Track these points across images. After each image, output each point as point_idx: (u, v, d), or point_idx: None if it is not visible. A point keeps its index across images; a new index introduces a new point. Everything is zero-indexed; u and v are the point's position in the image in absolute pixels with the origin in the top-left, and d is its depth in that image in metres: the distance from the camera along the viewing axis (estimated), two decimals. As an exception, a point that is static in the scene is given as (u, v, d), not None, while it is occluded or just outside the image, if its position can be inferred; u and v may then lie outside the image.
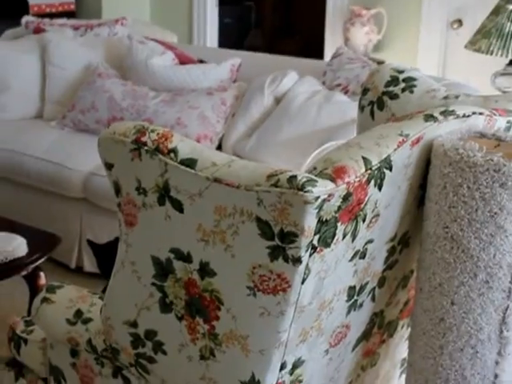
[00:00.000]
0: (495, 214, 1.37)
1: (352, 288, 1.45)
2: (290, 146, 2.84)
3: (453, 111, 1.49)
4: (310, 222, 1.23)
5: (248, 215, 1.27)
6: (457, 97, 1.81)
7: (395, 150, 1.36)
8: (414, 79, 1.89)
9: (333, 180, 1.25)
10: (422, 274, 1.50)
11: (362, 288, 1.48)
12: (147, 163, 1.35)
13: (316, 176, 1.26)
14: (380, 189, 1.36)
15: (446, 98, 1.82)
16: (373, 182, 1.33)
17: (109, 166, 1.42)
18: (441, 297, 1.45)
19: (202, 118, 3.06)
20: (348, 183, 1.26)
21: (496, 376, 1.48)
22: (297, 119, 2.89)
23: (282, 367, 1.39)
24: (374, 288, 1.53)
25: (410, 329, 1.61)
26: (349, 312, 1.48)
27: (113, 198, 2.88)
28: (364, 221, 1.36)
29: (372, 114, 1.91)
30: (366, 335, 1.60)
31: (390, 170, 1.36)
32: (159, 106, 3.11)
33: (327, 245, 1.29)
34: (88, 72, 3.39)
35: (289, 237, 1.24)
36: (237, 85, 3.25)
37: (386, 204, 1.40)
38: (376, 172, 1.33)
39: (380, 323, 1.63)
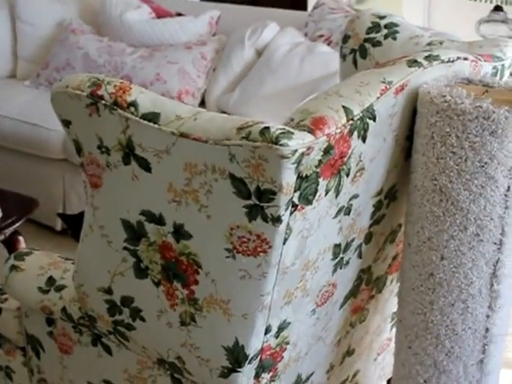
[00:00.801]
0: (485, 163, 1.28)
1: (337, 246, 1.36)
2: (274, 100, 2.73)
3: (438, 56, 1.38)
4: (289, 178, 1.13)
5: (220, 172, 1.17)
6: (441, 43, 1.71)
7: (378, 98, 1.26)
8: (396, 25, 1.79)
9: (311, 132, 1.16)
10: (410, 228, 1.42)
11: (348, 245, 1.40)
12: (106, 119, 1.24)
13: (293, 128, 1.17)
14: (364, 141, 1.26)
15: (430, 44, 1.72)
16: (356, 133, 1.23)
17: (66, 123, 1.31)
18: (430, 251, 1.37)
19: (182, 73, 2.95)
20: (328, 135, 1.17)
21: (487, 330, 1.41)
22: (279, 72, 2.78)
23: (267, 331, 1.31)
24: (361, 244, 1.45)
25: (399, 284, 1.53)
26: (335, 270, 1.40)
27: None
28: (348, 175, 1.27)
29: (355, 62, 1.81)
30: (353, 292, 1.52)
31: (374, 120, 1.26)
32: (137, 62, 2.98)
33: (309, 202, 1.20)
34: (61, 28, 3.23)
35: (266, 195, 1.15)
36: (216, 38, 3.12)
37: (372, 157, 1.31)
38: (359, 122, 1.23)
39: (368, 279, 1.55)
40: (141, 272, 1.36)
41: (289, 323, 1.35)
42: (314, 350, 1.48)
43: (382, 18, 1.83)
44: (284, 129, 1.11)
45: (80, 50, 3.12)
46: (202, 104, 3.00)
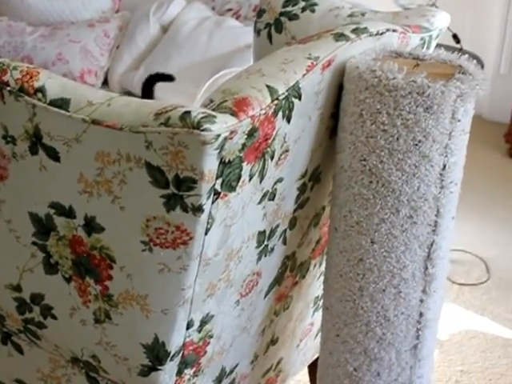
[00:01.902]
0: (419, 142, 1.18)
1: (262, 233, 1.24)
2: (181, 77, 2.56)
3: (366, 28, 1.27)
4: (211, 165, 1.00)
5: (136, 161, 1.03)
6: (363, 14, 1.60)
7: (304, 75, 1.14)
8: (314, -4, 1.67)
9: (234, 114, 1.02)
10: (337, 211, 1.31)
11: (273, 232, 1.28)
12: (12, 106, 1.08)
13: (214, 110, 1.03)
14: (289, 121, 1.14)
15: (351, 15, 1.61)
16: (280, 113, 1.11)
17: (-34, 112, 1.14)
18: (359, 236, 1.27)
19: (85, 52, 2.75)
20: (252, 117, 1.04)
21: (421, 314, 1.32)
22: (186, 48, 2.62)
23: (189, 325, 1.18)
24: (285, 230, 1.33)
25: (322, 268, 1.43)
26: (259, 258, 1.28)
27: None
28: (272, 158, 1.14)
29: (270, 37, 1.68)
30: (278, 280, 1.41)
31: (299, 98, 1.14)
32: (37, 42, 2.77)
33: (232, 189, 1.07)
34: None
35: (186, 183, 1.01)
36: (120, 15, 2.93)
37: (296, 137, 1.19)
38: (284, 102, 1.10)
39: (292, 266, 1.44)
40: (51, 268, 1.20)
41: (212, 316, 1.22)
42: (238, 342, 1.37)
43: (300, -11, 1.70)
44: (206, 112, 0.97)
45: (-23, 32, 2.87)
46: (105, 83, 2.82)
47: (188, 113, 0.96)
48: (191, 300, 1.14)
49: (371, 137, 1.19)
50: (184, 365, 1.23)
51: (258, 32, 1.72)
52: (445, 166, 1.19)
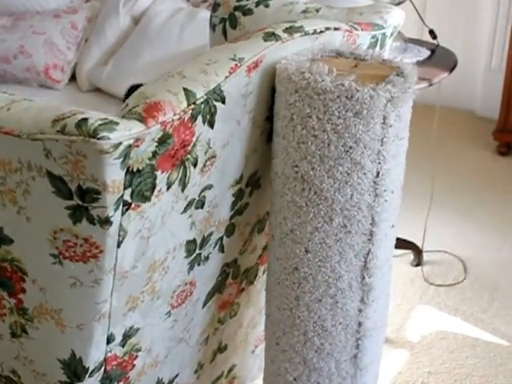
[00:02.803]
0: (350, 148, 1.08)
1: (191, 242, 1.15)
2: (152, 72, 2.42)
3: (300, 27, 1.17)
4: (114, 175, 0.91)
5: (38, 170, 0.94)
6: (317, 10, 1.50)
7: (227, 77, 1.04)
8: (270, -10, 1.57)
9: (142, 120, 0.93)
10: (273, 218, 1.21)
11: (205, 240, 1.19)
12: None
13: (123, 116, 0.94)
14: (212, 126, 1.04)
15: (305, 11, 1.50)
16: (200, 118, 1.01)
17: None
18: (293, 244, 1.17)
19: (50, 44, 2.56)
20: (163, 123, 0.94)
21: (360, 324, 1.23)
22: (157, 41, 2.48)
23: (110, 340, 1.09)
24: (222, 238, 1.24)
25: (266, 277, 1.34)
26: (191, 268, 1.19)
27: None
28: (195, 165, 1.05)
29: (224, 33, 1.57)
30: (218, 288, 1.32)
31: (223, 102, 1.04)
32: None
33: (145, 199, 0.98)
34: None
35: (90, 194, 0.92)
36: (89, 5, 2.71)
37: (224, 143, 1.09)
38: (203, 106, 1.01)
39: (235, 273, 1.35)
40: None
41: (137, 329, 1.13)
42: (175, 353, 1.28)
43: (255, -17, 1.60)
44: (106, 119, 0.88)
45: None
46: (73, 79, 2.68)
47: (85, 120, 0.87)
48: (109, 314, 1.05)
49: (302, 142, 1.10)
50: (108, 380, 1.14)
51: (213, 27, 1.62)
52: (378, 174, 1.09)
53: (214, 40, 1.65)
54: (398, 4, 1.98)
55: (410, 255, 2.50)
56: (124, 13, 2.57)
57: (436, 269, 2.53)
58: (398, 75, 1.08)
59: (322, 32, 1.20)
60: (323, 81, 1.04)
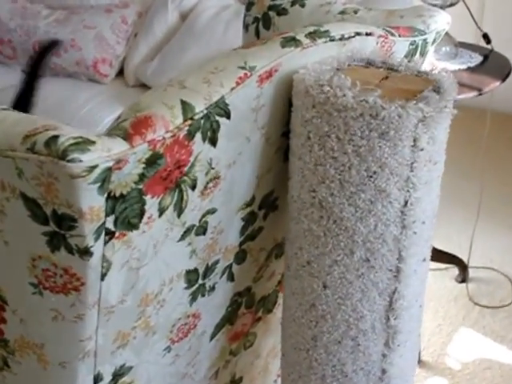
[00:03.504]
0: (374, 173, 0.94)
1: (192, 272, 1.03)
2: (195, 70, 2.36)
3: (326, 32, 1.03)
4: (92, 201, 0.80)
5: (11, 190, 0.84)
6: (355, 11, 1.37)
7: (233, 89, 0.92)
8: (305, -11, 1.44)
9: (127, 138, 0.82)
10: (289, 247, 1.09)
11: (210, 269, 1.07)
12: None
13: (109, 133, 0.84)
14: (214, 144, 0.92)
15: (342, 12, 1.38)
16: (199, 135, 0.89)
17: None
18: (310, 278, 1.05)
19: (99, 39, 2.54)
20: (152, 141, 0.83)
21: (384, 371, 1.09)
22: (202, 39, 2.39)
23: (97, 380, 0.98)
24: (230, 265, 1.12)
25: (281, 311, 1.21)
26: (194, 299, 1.07)
27: None
28: (194, 188, 0.93)
29: (257, 33, 1.46)
30: (229, 319, 1.20)
31: (228, 117, 0.92)
32: (51, 27, 2.57)
33: (132, 227, 0.87)
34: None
35: (66, 221, 0.81)
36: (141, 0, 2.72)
37: (229, 162, 0.97)
38: (203, 122, 0.89)
39: (249, 302, 1.23)
40: None
41: (130, 368, 1.02)
42: (177, 389, 1.17)
43: (290, -19, 1.48)
44: (80, 138, 0.77)
45: (-11, 13, 2.73)
46: (121, 73, 2.63)
47: (55, 138, 0.76)
48: (94, 352, 0.95)
49: (320, 164, 0.97)
50: (98, 422, 1.04)
51: (246, 27, 1.51)
52: (406, 203, 0.95)
53: (246, 41, 1.53)
54: (451, 5, 1.82)
55: (454, 269, 2.34)
56: (172, 9, 2.50)
57: (482, 287, 2.36)
58: (435, 91, 0.94)
59: (350, 38, 1.06)
60: (344, 96, 0.91)
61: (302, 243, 1.04)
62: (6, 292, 0.94)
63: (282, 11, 1.42)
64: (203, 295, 1.09)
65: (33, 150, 0.77)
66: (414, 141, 0.91)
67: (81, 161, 0.75)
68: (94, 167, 0.76)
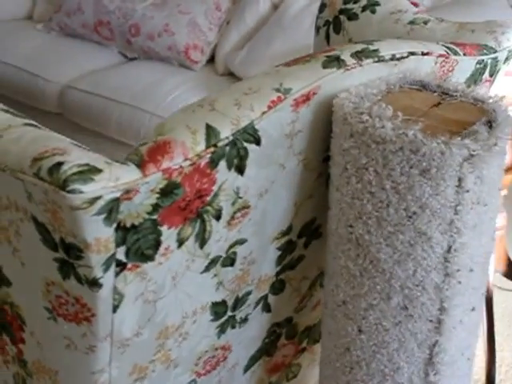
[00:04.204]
0: (414, 213, 0.87)
1: (219, 304, 1.00)
2: (279, 62, 2.31)
3: (375, 51, 0.97)
4: (98, 232, 0.78)
5: (24, 212, 0.83)
6: (425, 22, 1.30)
7: (264, 113, 0.87)
8: (378, -6, 1.38)
9: (140, 166, 0.79)
10: (327, 282, 1.03)
11: (241, 301, 1.03)
12: None
13: (126, 157, 0.81)
14: (241, 172, 0.88)
15: (412, 22, 1.31)
16: (223, 163, 0.85)
17: None
18: (345, 319, 0.99)
19: (193, 24, 2.53)
20: (167, 170, 0.80)
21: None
22: (289, 31, 2.34)
23: (114, 411, 0.98)
24: (266, 296, 1.07)
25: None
26: (222, 332, 1.03)
27: (90, 115, 2.49)
28: (219, 218, 0.89)
29: (327, 37, 1.42)
30: (266, 351, 1.15)
31: (257, 143, 0.88)
32: (147, 10, 2.59)
33: (147, 258, 0.84)
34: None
35: (73, 250, 0.80)
36: (236, -14, 2.69)
37: (260, 191, 0.93)
38: (228, 149, 0.85)
39: (290, 333, 1.18)
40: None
41: (150, 400, 1.01)
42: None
43: (364, -15, 1.42)
44: (86, 166, 0.75)
45: (92, -6, 2.78)
46: (212, 61, 2.63)
47: (59, 165, 0.74)
48: None
49: (357, 198, 0.91)
50: None
51: (317, 29, 1.47)
52: (450, 248, 0.87)
53: (317, 44, 1.49)
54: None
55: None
56: (265, -2, 2.48)
57: None
58: (487, 124, 0.87)
59: (403, 58, 0.99)
60: (383, 127, 0.85)
61: (339, 281, 0.98)
62: (25, 312, 0.94)
63: (352, 16, 1.37)
64: (233, 327, 1.05)
65: (38, 176, 0.76)
66: (459, 181, 0.83)
67: (81, 192, 0.73)
68: (96, 198, 0.74)
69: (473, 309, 0.96)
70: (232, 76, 2.57)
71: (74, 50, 2.76)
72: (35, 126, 0.86)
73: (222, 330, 1.03)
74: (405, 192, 0.86)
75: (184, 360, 1.00)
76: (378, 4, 1.36)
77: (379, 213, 0.89)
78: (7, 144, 0.82)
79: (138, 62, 2.69)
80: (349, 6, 1.38)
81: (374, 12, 1.35)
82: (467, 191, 0.84)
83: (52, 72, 2.68)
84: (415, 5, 1.43)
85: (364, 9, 1.36)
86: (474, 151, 0.81)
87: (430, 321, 0.92)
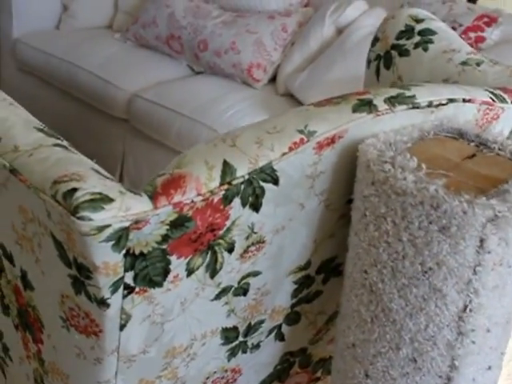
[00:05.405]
0: (430, 269, 0.82)
1: (231, 329, 0.97)
2: (337, 88, 2.25)
3: (411, 97, 0.91)
4: (106, 257, 0.76)
5: (44, 228, 0.83)
6: (478, 64, 1.22)
7: (284, 154, 0.83)
8: (432, 32, 1.31)
9: (153, 198, 0.77)
10: (339, 322, 0.99)
11: (253, 328, 1.00)
12: None
13: (146, 187, 0.79)
14: (256, 209, 0.85)
15: (464, 63, 1.24)
16: (238, 200, 0.82)
17: None
18: (354, 362, 0.94)
19: (258, 44, 2.53)
20: (178, 204, 0.77)
21: None
22: (350, 57, 2.29)
23: (119, 420, 0.97)
24: (280, 326, 1.04)
25: None
26: (233, 355, 1.01)
27: (152, 124, 2.51)
28: (231, 251, 0.86)
29: (377, 72, 1.36)
30: (278, 376, 1.12)
31: (275, 183, 0.84)
32: (217, 28, 2.61)
33: (155, 284, 0.82)
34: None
35: (84, 270, 0.79)
36: (304, 10, 2.64)
37: (277, 227, 0.89)
38: (243, 187, 0.82)
39: (304, 362, 1.15)
40: (5, 309, 1.06)
41: (156, 413, 0.99)
42: None
43: (419, 21, 1.35)
44: (99, 194, 0.73)
45: (167, 9, 2.79)
46: (274, 80, 2.59)
47: (73, 191, 0.73)
48: (114, 395, 0.92)
49: (374, 246, 0.86)
50: None
51: (368, 63, 1.41)
52: (466, 308, 0.82)
53: (367, 78, 1.43)
54: None
55: None
56: (329, 22, 2.43)
57: None
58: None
59: (441, 105, 0.93)
60: (405, 179, 0.80)
61: (350, 323, 0.93)
62: (43, 317, 0.95)
63: (404, 52, 1.31)
64: (245, 352, 1.02)
65: (55, 198, 0.75)
66: (481, 241, 0.78)
67: (91, 219, 0.72)
68: (105, 226, 0.73)
69: (489, 368, 0.90)
70: (291, 97, 2.54)
71: (146, 60, 2.79)
72: (64, 147, 0.85)
73: (232, 353, 1.01)
74: (422, 246, 0.81)
75: (191, 378, 0.99)
76: (431, 42, 1.29)
77: (394, 263, 0.84)
78: (34, 163, 0.82)
79: (204, 76, 2.70)
80: (401, 41, 1.32)
81: (426, 50, 1.28)
82: (489, 252, 0.79)
83: (123, 80, 2.71)
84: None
85: (416, 46, 1.30)
86: (499, 212, 0.75)
87: (440, 376, 0.87)
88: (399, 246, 0.83)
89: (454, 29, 2.05)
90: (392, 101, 0.90)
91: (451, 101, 0.95)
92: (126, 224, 0.74)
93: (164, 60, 2.74)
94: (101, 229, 0.73)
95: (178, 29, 2.73)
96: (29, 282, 0.94)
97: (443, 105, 0.94)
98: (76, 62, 2.81)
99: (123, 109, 2.66)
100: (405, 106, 0.91)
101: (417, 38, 1.31)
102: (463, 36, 2.14)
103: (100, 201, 0.73)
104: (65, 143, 0.87)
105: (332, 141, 0.87)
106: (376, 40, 1.39)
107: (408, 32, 1.33)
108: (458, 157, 0.88)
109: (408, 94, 0.92)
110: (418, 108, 0.92)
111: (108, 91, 2.67)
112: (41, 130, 0.89)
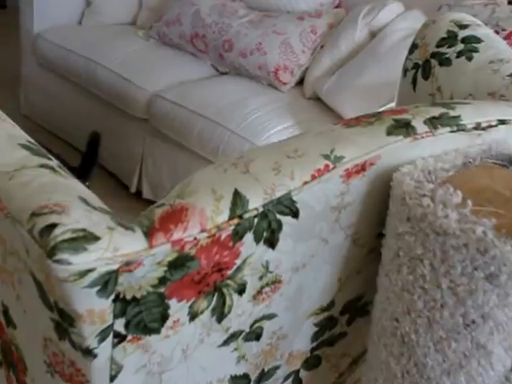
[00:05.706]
0: (473, 322, 0.70)
1: (240, 377, 0.85)
2: (367, 94, 2.12)
3: (456, 118, 0.79)
4: (90, 304, 0.65)
5: (24, 264, 0.72)
6: (526, 78, 1.09)
7: (306, 183, 0.71)
8: (477, 40, 1.18)
9: (148, 235, 0.65)
10: (365, 371, 0.87)
11: (267, 374, 0.88)
12: None
13: (140, 219, 0.67)
14: (272, 246, 0.73)
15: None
16: (250, 236, 0.71)
17: None
18: (380, 419, 0.82)
19: (286, 46, 2.40)
20: (178, 242, 0.66)
21: None
22: (383, 63, 2.15)
23: None
24: (297, 371, 0.92)
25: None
26: (243, 403, 0.90)
27: (173, 125, 2.41)
28: (242, 292, 0.75)
29: (414, 81, 1.23)
30: (295, 421, 1.01)
31: (295, 216, 0.72)
32: (243, 27, 2.48)
33: (151, 331, 0.71)
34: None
35: (67, 317, 0.68)
36: (335, 11, 2.50)
37: (297, 265, 0.77)
38: (256, 221, 0.70)
39: (324, 406, 1.03)
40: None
41: None
42: None
43: (462, 27, 1.22)
44: (82, 231, 0.62)
45: (192, 7, 2.68)
46: (301, 83, 2.47)
47: (51, 228, 0.62)
48: None
49: (407, 291, 0.74)
50: None
51: (404, 72, 1.28)
52: (513, 372, 0.70)
53: (402, 87, 1.31)
54: None
55: None
56: (362, 26, 2.28)
57: None
58: None
59: (490, 127, 0.80)
60: (446, 217, 0.67)
61: (378, 375, 0.81)
62: (27, 358, 0.84)
63: (445, 61, 1.18)
64: (257, 399, 0.91)
65: (32, 234, 0.64)
66: (535, 295, 0.65)
67: (69, 263, 0.60)
68: (88, 271, 0.61)
69: None
70: (319, 101, 2.42)
71: (169, 59, 2.68)
72: (51, 168, 0.74)
73: (243, 401, 0.88)
74: (464, 296, 0.68)
75: (195, 432, 0.87)
76: (476, 50, 1.16)
77: (431, 313, 0.71)
78: (14, 188, 0.72)
79: (228, 77, 2.59)
80: (442, 49, 1.19)
81: (470, 59, 1.15)
82: (540, 311, 0.65)
83: (144, 79, 2.61)
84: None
85: (459, 54, 1.16)
86: (554, 265, 0.62)
87: None
88: (437, 294, 0.71)
89: (496, 33, 1.91)
90: (434, 122, 0.78)
91: (502, 122, 0.82)
92: (114, 267, 0.63)
93: (187, 59, 2.63)
94: (83, 274, 0.61)
95: (203, 27, 2.62)
96: (11, 319, 0.83)
97: (492, 126, 0.81)
98: (97, 59, 2.72)
99: (143, 109, 2.56)
100: (448, 129, 0.78)
101: (460, 46, 1.18)
102: (506, 41, 2.00)
103: (83, 240, 0.62)
104: (53, 163, 0.76)
105: (362, 168, 0.74)
106: (414, 47, 1.26)
107: (450, 39, 1.20)
108: (509, 189, 0.75)
109: (452, 113, 0.80)
110: (463, 130, 0.79)
111: (128, 90, 2.57)
112: (26, 147, 0.78)
